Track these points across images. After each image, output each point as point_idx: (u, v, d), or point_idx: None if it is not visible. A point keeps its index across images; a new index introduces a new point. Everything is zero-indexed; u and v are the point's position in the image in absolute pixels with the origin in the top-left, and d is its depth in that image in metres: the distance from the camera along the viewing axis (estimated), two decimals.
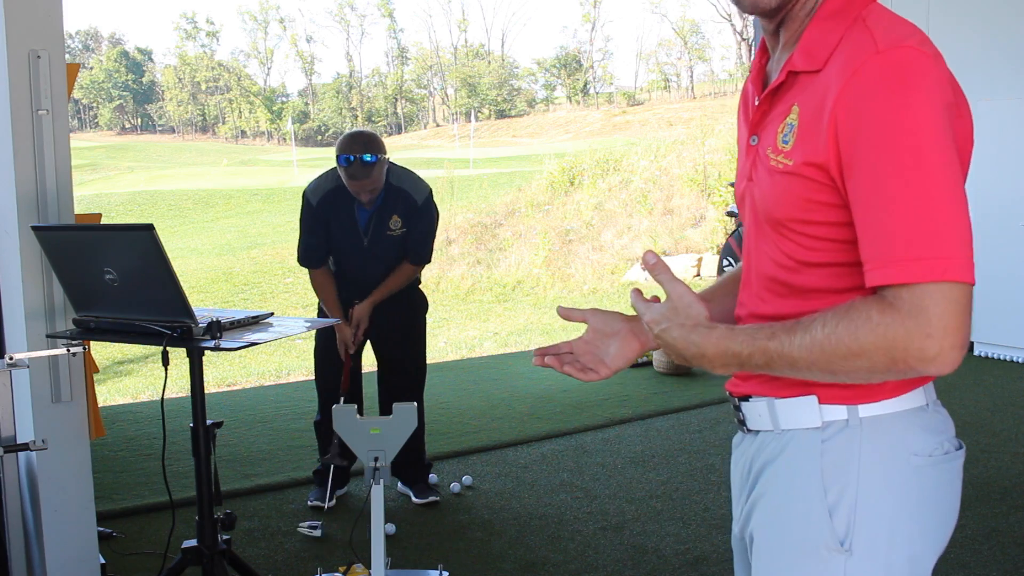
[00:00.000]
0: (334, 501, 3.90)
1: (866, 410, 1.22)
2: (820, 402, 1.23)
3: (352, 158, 3.54)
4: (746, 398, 1.33)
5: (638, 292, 1.33)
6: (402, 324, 3.88)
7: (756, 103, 1.31)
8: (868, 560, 1.20)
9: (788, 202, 1.21)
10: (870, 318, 1.08)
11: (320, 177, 3.82)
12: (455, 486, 4.08)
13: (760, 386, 1.30)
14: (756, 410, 1.31)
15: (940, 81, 1.12)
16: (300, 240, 3.86)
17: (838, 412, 1.23)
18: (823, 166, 1.15)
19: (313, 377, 4.12)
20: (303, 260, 3.86)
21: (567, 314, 1.44)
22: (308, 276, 3.91)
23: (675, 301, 1.22)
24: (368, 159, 3.54)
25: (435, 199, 3.88)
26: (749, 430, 1.35)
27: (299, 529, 3.62)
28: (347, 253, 3.82)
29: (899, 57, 1.12)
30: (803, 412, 1.25)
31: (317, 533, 3.57)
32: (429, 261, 3.88)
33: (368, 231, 3.76)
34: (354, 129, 3.79)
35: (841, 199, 1.16)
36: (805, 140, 1.17)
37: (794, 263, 1.23)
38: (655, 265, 1.22)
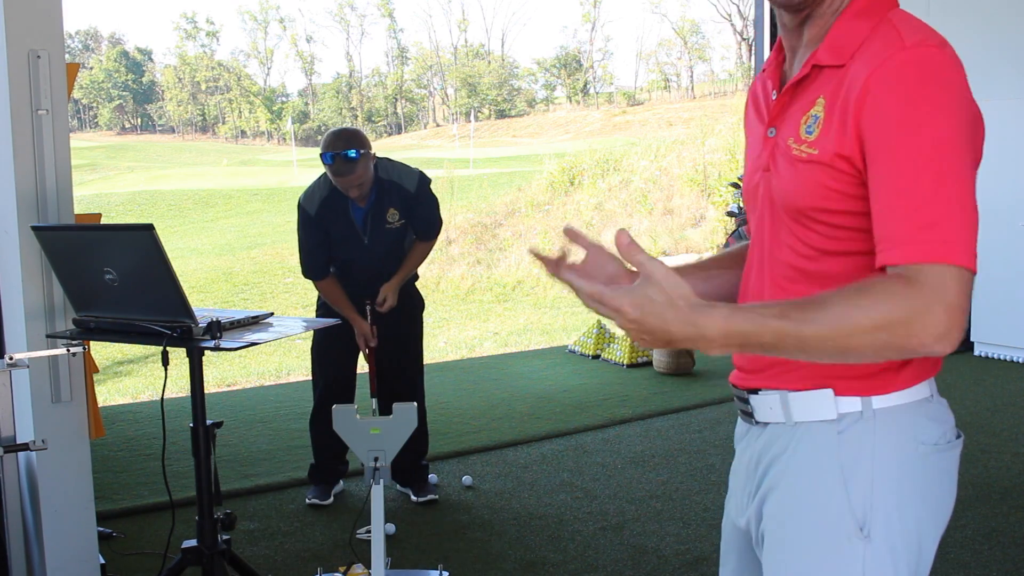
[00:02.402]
0: (332, 499, 3.92)
1: (879, 402, 1.26)
2: (836, 394, 1.26)
3: (334, 155, 3.58)
4: (755, 391, 1.35)
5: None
6: (400, 324, 3.89)
7: (774, 96, 1.35)
8: (884, 544, 1.25)
9: (811, 191, 1.23)
10: (895, 292, 1.10)
11: (312, 185, 3.83)
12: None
13: (772, 379, 1.32)
14: (767, 403, 1.33)
15: (962, 84, 1.17)
16: (302, 252, 3.86)
17: (853, 404, 1.26)
18: (848, 156, 1.19)
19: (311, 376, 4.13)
20: (308, 272, 3.86)
21: (575, 236, 1.37)
22: (314, 286, 3.91)
23: (661, 281, 1.10)
24: (351, 155, 3.56)
25: (431, 188, 3.90)
26: (757, 422, 1.36)
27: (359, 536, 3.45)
28: (350, 255, 3.82)
29: (925, 55, 1.16)
30: (819, 405, 1.28)
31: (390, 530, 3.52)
32: (439, 233, 3.95)
33: (367, 229, 3.78)
34: (337, 127, 3.83)
35: (863, 189, 1.19)
36: (831, 131, 1.21)
37: (814, 251, 1.26)
38: (629, 245, 1.13)
